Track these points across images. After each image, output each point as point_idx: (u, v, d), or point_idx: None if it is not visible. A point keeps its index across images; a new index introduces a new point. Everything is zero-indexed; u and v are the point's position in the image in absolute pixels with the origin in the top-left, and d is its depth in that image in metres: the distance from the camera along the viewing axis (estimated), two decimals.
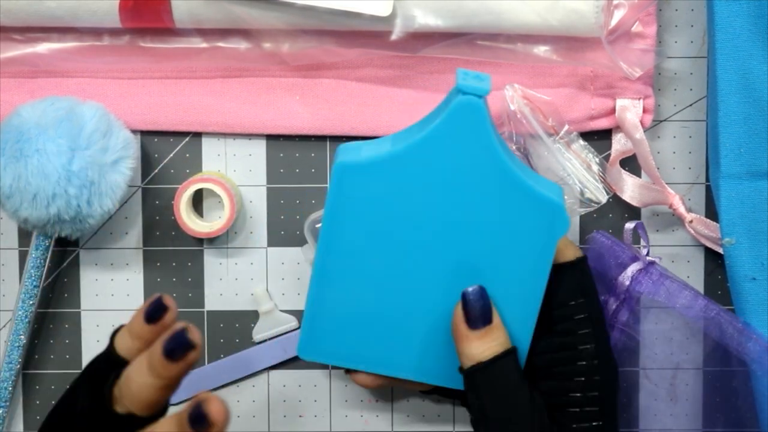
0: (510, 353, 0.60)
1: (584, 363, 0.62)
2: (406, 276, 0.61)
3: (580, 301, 0.63)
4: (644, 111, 0.71)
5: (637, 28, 0.69)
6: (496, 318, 0.61)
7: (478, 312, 0.60)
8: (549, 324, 0.63)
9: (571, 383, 0.62)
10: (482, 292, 0.61)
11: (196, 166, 0.74)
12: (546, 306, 0.62)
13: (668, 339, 0.73)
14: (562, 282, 0.63)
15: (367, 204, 0.60)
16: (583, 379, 0.62)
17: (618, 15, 0.68)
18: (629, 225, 0.70)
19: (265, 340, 0.74)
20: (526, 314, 0.62)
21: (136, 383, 0.52)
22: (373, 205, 0.60)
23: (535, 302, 0.62)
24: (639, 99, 0.71)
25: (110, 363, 0.55)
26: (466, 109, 0.58)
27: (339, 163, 0.60)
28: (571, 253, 0.64)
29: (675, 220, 0.73)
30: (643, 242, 0.70)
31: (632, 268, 0.69)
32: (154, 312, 0.54)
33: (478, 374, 0.60)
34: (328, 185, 0.73)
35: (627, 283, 0.69)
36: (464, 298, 0.61)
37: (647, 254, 0.69)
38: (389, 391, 0.75)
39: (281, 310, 0.74)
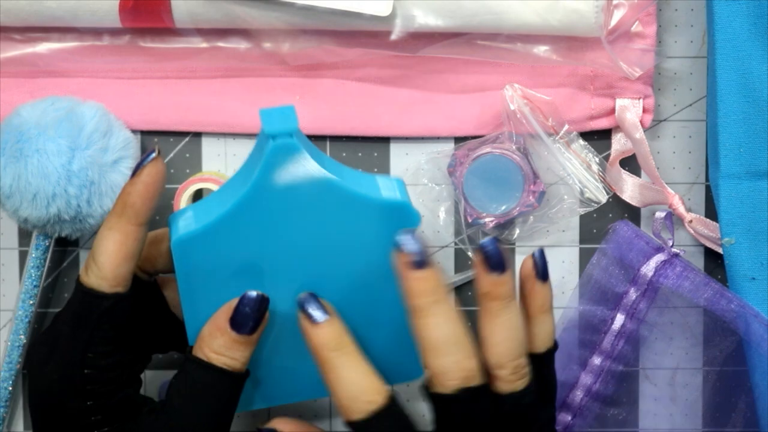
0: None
1: None
2: (278, 316, 0.59)
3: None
4: (644, 111, 0.71)
5: (636, 28, 0.69)
6: (331, 311, 0.58)
7: (315, 309, 0.58)
8: None
9: None
10: (312, 294, 0.59)
11: (196, 166, 0.74)
12: None
13: (668, 338, 0.73)
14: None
15: (218, 265, 0.58)
16: None
17: (618, 15, 0.68)
18: (660, 214, 0.70)
19: None
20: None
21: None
22: (224, 264, 0.58)
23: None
24: (639, 99, 0.71)
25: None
26: (281, 152, 0.56)
27: (176, 240, 0.57)
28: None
29: (675, 220, 0.73)
30: (668, 233, 0.70)
31: (656, 260, 0.69)
32: None
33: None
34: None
35: (650, 274, 0.69)
36: (299, 303, 0.58)
37: (672, 246, 0.69)
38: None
39: None
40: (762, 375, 0.68)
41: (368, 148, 0.73)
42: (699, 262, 0.74)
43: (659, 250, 0.69)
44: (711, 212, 0.72)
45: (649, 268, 0.69)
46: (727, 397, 0.72)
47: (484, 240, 0.57)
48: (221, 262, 0.58)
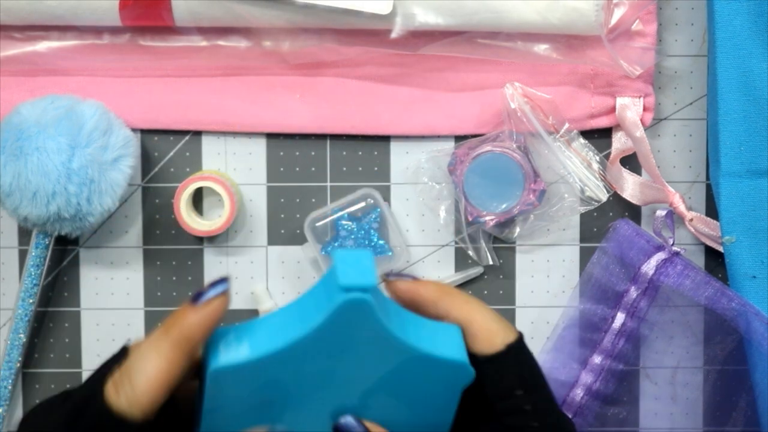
0: None
1: None
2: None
3: (520, 394, 0.52)
4: (644, 109, 0.71)
5: (637, 26, 0.69)
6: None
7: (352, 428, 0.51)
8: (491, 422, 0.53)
9: None
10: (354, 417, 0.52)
11: (196, 164, 0.74)
12: (484, 404, 0.54)
13: (668, 338, 0.73)
14: (496, 373, 0.52)
15: (248, 395, 0.51)
16: None
17: (618, 13, 0.68)
18: (660, 212, 0.70)
19: None
20: None
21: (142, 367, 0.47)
22: (255, 394, 0.51)
23: None
24: (639, 97, 0.71)
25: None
26: (353, 309, 0.48)
27: (215, 369, 0.49)
28: (499, 341, 0.52)
29: (675, 219, 0.73)
30: (668, 232, 0.70)
31: (657, 258, 0.69)
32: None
33: None
34: (327, 184, 0.73)
35: (651, 272, 0.69)
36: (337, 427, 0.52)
37: (672, 244, 0.69)
38: None
39: None
40: (762, 373, 0.68)
41: (368, 147, 0.73)
42: (700, 260, 0.73)
43: (660, 248, 0.69)
44: (712, 211, 0.72)
45: (649, 267, 0.69)
46: (728, 396, 0.72)
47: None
48: (252, 392, 0.51)
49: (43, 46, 0.71)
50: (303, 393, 0.52)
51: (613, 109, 0.71)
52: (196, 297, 0.48)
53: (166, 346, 0.48)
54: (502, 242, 0.73)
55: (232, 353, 0.49)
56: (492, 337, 0.52)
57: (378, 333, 0.50)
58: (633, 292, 0.70)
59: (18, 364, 0.73)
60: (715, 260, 0.73)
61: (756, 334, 0.67)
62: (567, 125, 0.71)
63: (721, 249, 0.70)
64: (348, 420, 0.52)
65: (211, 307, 0.48)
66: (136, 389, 0.47)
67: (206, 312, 0.48)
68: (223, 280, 0.48)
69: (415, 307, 0.52)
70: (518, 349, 0.52)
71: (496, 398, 0.52)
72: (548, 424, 0.52)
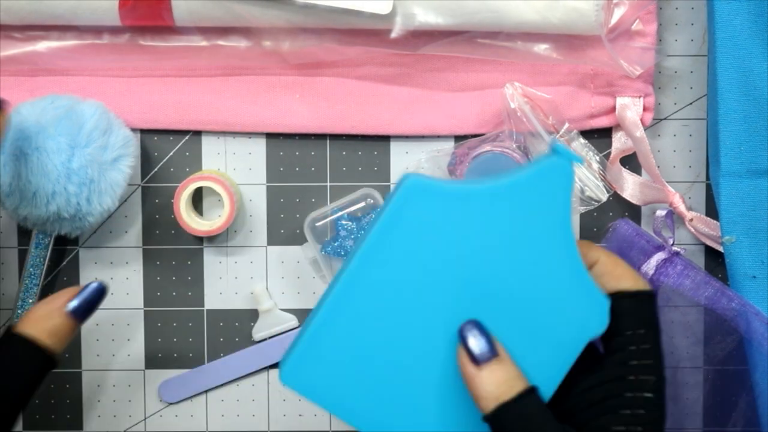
0: (533, 390, 0.55)
1: (640, 395, 0.56)
2: (432, 330, 0.56)
3: (643, 332, 0.57)
4: (644, 109, 0.71)
5: (637, 26, 0.69)
6: (501, 350, 0.55)
7: (479, 346, 0.55)
8: (602, 357, 0.57)
9: (619, 416, 0.56)
10: (477, 324, 0.55)
11: (196, 164, 0.73)
12: (601, 338, 0.57)
13: (669, 338, 0.73)
14: (624, 312, 0.57)
15: (422, 233, 0.55)
16: (629, 412, 0.56)
17: (618, 13, 0.68)
18: (660, 212, 0.70)
19: (264, 339, 0.74)
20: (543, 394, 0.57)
21: None
22: (427, 237, 0.55)
23: (550, 388, 0.57)
24: (639, 97, 0.71)
25: None
26: (557, 172, 0.55)
27: (411, 180, 0.55)
28: (642, 284, 0.58)
29: (675, 219, 0.73)
30: (668, 232, 0.70)
31: (656, 258, 0.69)
32: None
33: (503, 416, 0.54)
34: (327, 184, 0.73)
35: (651, 272, 0.69)
36: (461, 334, 0.55)
37: (672, 244, 0.69)
38: None
39: (281, 309, 0.74)
40: (763, 373, 0.68)
41: (368, 147, 0.73)
42: (700, 260, 0.73)
43: (660, 248, 0.69)
44: (712, 211, 0.72)
45: (649, 267, 0.69)
46: (728, 396, 0.72)
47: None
48: (429, 232, 0.56)
49: (43, 46, 0.71)
50: (456, 283, 0.55)
51: (613, 109, 0.71)
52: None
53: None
54: None
55: (428, 178, 0.56)
56: (637, 279, 0.57)
57: (558, 222, 0.55)
58: None
59: None
60: (715, 260, 0.73)
61: (756, 334, 0.67)
62: (567, 125, 0.71)
63: (721, 249, 0.70)
64: (472, 326, 0.55)
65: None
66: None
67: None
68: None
69: None
70: (650, 299, 0.57)
71: (616, 333, 0.57)
72: (659, 370, 0.57)
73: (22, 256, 0.74)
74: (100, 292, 0.61)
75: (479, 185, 0.56)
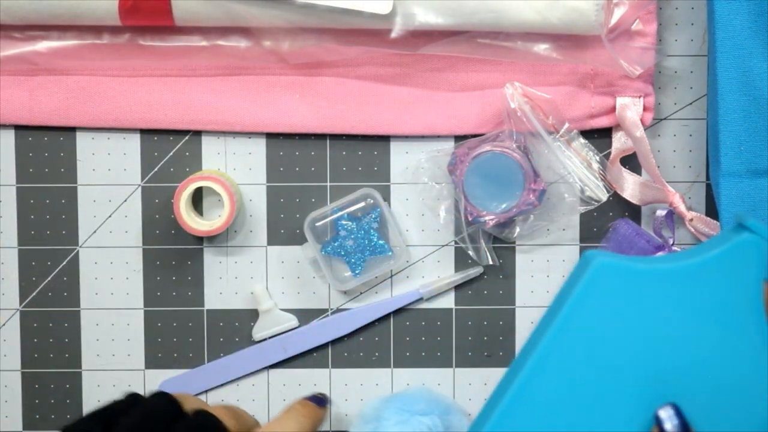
0: None
1: None
2: (621, 415, 0.53)
3: None
4: (644, 109, 0.71)
5: (637, 26, 0.69)
6: None
7: (675, 429, 0.51)
8: None
9: None
10: (675, 408, 0.52)
11: (195, 164, 0.73)
12: None
13: None
14: None
15: (611, 315, 0.53)
16: None
17: (618, 13, 0.68)
18: (660, 212, 0.70)
19: (264, 339, 0.74)
20: None
21: None
22: (616, 319, 0.53)
23: None
24: (639, 97, 0.71)
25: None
26: (750, 248, 0.52)
27: (599, 262, 0.53)
28: None
29: (675, 219, 0.73)
30: (669, 232, 0.70)
31: None
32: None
33: None
34: (327, 184, 0.73)
35: None
36: (657, 417, 0.52)
37: (672, 244, 0.69)
38: (389, 388, 0.75)
39: (281, 309, 0.74)
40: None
41: (368, 147, 0.73)
42: None
43: (660, 248, 0.69)
44: (712, 210, 0.72)
45: None
46: None
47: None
48: (618, 315, 0.53)
49: (43, 46, 0.71)
50: (634, 364, 0.53)
51: (613, 109, 0.71)
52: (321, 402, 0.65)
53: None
54: (502, 242, 0.73)
55: (615, 258, 0.53)
56: None
57: (752, 299, 0.52)
58: None
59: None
60: None
61: None
62: (567, 125, 0.71)
63: None
64: (670, 409, 0.52)
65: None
66: None
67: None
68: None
69: None
70: None
71: None
72: None
73: (23, 255, 0.74)
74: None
75: (669, 264, 0.53)
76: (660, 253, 0.69)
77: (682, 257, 0.54)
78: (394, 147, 0.73)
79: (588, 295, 0.53)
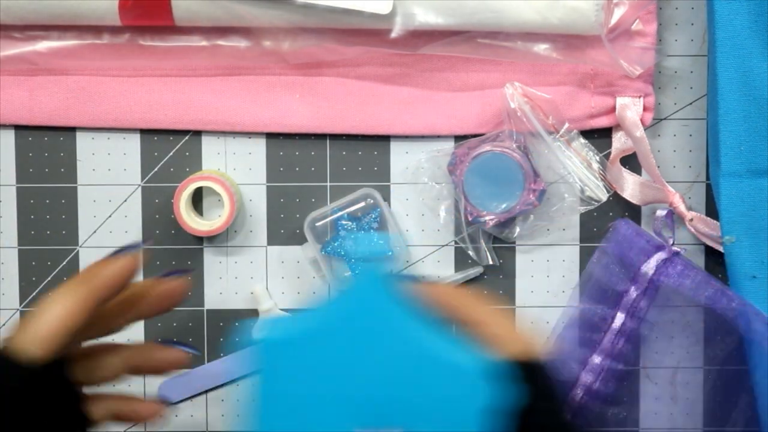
0: None
1: None
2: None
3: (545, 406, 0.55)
4: (644, 109, 0.71)
5: (637, 26, 0.69)
6: None
7: None
8: None
9: None
10: None
11: (195, 164, 0.73)
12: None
13: (668, 338, 0.73)
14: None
15: (291, 380, 0.55)
16: None
17: (618, 13, 0.68)
18: (661, 212, 0.70)
19: None
20: None
21: None
22: (297, 382, 0.55)
23: None
24: (639, 97, 0.71)
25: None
26: (366, 287, 0.55)
27: (265, 343, 0.56)
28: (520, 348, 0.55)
29: (675, 219, 0.73)
30: (669, 232, 0.70)
31: (656, 258, 0.69)
32: None
33: None
34: (327, 184, 0.73)
35: (651, 272, 0.69)
36: None
37: (672, 244, 0.69)
38: None
39: (281, 309, 0.74)
40: (763, 373, 0.68)
41: (368, 147, 0.73)
42: (699, 260, 0.73)
43: (660, 248, 0.69)
44: (712, 211, 0.72)
45: (649, 267, 0.69)
46: (728, 396, 0.72)
47: None
48: (296, 377, 0.55)
49: (43, 46, 0.71)
50: (336, 396, 0.55)
51: (613, 109, 0.71)
52: (112, 254, 0.55)
53: (74, 293, 0.53)
54: (502, 242, 0.73)
55: (276, 331, 0.56)
56: (526, 345, 0.55)
57: (395, 322, 0.54)
58: (633, 292, 0.70)
59: None
60: (715, 260, 0.73)
61: (757, 334, 0.67)
62: (567, 125, 0.71)
63: (721, 249, 0.70)
64: None
65: (122, 262, 0.55)
66: (39, 328, 0.52)
67: (117, 266, 0.55)
68: (136, 245, 0.56)
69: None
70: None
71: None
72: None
73: (23, 255, 0.74)
74: None
75: (309, 321, 0.56)
76: (660, 254, 0.69)
77: (318, 307, 0.57)
78: (394, 147, 0.73)
79: (271, 374, 0.55)
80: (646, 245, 0.69)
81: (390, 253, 0.69)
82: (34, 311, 0.52)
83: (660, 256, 0.69)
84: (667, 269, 0.69)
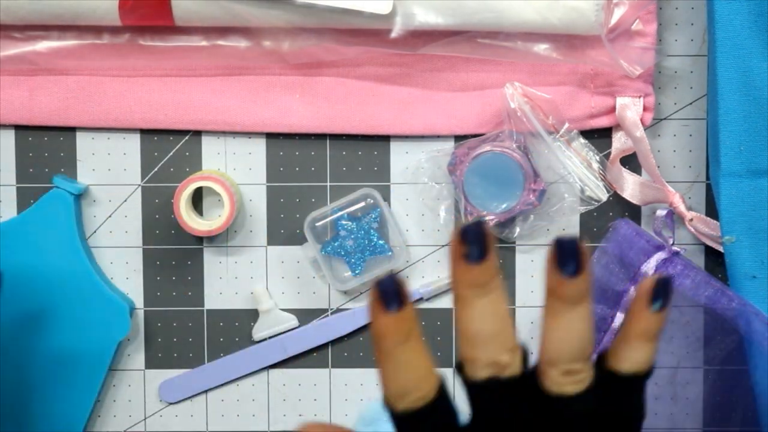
0: None
1: None
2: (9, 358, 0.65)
3: None
4: (644, 109, 0.71)
5: (637, 26, 0.69)
6: None
7: None
8: None
9: None
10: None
11: (195, 164, 0.73)
12: None
13: (669, 337, 0.73)
14: None
15: None
16: None
17: (618, 13, 0.68)
18: (661, 212, 0.70)
19: (264, 339, 0.74)
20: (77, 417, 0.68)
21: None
22: None
23: (84, 409, 0.68)
24: (639, 97, 0.71)
25: None
26: (55, 201, 0.67)
27: None
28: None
29: (675, 219, 0.73)
30: (669, 231, 0.70)
31: (656, 258, 0.69)
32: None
33: None
34: (327, 184, 0.73)
35: (651, 272, 0.69)
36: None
37: (672, 244, 0.69)
38: None
39: (281, 309, 0.74)
40: (763, 374, 0.68)
41: (368, 147, 0.73)
42: (699, 260, 0.73)
43: (660, 248, 0.69)
44: (712, 211, 0.72)
45: (649, 267, 0.69)
46: (728, 396, 0.72)
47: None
48: None
49: (43, 46, 0.71)
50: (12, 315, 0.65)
51: (613, 109, 0.71)
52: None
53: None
54: (502, 242, 0.73)
55: None
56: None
57: (68, 243, 0.66)
58: (633, 292, 0.70)
59: None
60: (715, 260, 0.73)
61: (757, 334, 0.67)
62: (567, 125, 0.71)
63: (721, 249, 0.70)
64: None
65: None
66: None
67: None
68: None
69: None
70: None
71: None
72: None
73: None
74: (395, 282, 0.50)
75: None
76: (660, 254, 0.69)
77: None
78: (394, 147, 0.73)
79: None
80: (645, 245, 0.69)
81: (390, 254, 0.69)
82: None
83: (660, 255, 0.69)
84: (667, 269, 0.69)
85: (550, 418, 0.50)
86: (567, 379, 0.50)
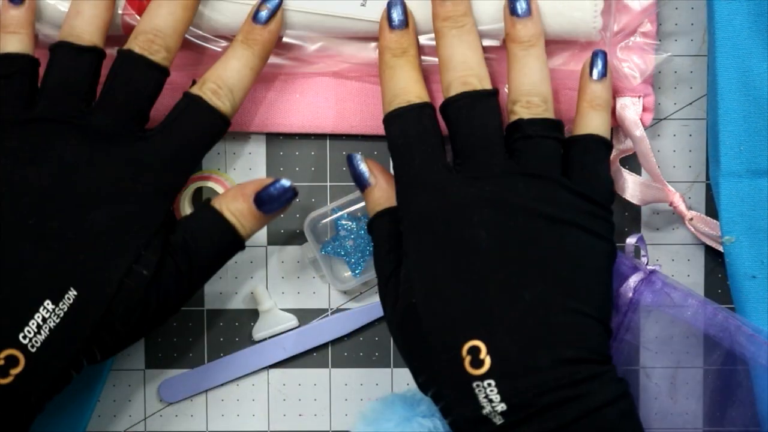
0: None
1: None
2: None
3: None
4: (644, 109, 0.71)
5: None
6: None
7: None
8: None
9: None
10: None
11: None
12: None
13: (668, 337, 0.73)
14: None
15: None
16: None
17: (621, 20, 0.68)
18: (631, 240, 0.70)
19: (264, 339, 0.74)
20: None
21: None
22: None
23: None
24: (639, 97, 0.71)
25: None
26: None
27: None
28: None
29: (675, 218, 0.73)
30: (642, 252, 0.70)
31: (634, 279, 0.69)
32: None
33: None
34: (327, 184, 0.73)
35: (630, 294, 0.69)
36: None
37: (647, 264, 0.69)
38: (389, 388, 0.75)
39: (281, 309, 0.74)
40: (759, 380, 0.68)
41: (368, 147, 0.73)
42: (699, 260, 0.73)
43: (635, 269, 0.69)
44: (711, 210, 0.72)
45: (628, 288, 0.69)
46: (728, 396, 0.72)
47: None
48: None
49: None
50: None
51: (612, 110, 0.71)
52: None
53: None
54: None
55: None
56: None
57: None
58: (614, 316, 0.69)
59: None
60: (715, 260, 0.73)
61: (740, 347, 0.67)
62: (567, 126, 0.71)
63: (721, 249, 0.70)
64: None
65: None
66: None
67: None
68: None
69: None
70: None
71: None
72: None
73: None
74: (287, 191, 0.64)
75: None
76: (636, 275, 0.69)
77: None
78: None
79: None
80: (622, 267, 0.69)
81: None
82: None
83: (637, 277, 0.69)
84: (644, 290, 0.69)
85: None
86: (530, 107, 0.63)
